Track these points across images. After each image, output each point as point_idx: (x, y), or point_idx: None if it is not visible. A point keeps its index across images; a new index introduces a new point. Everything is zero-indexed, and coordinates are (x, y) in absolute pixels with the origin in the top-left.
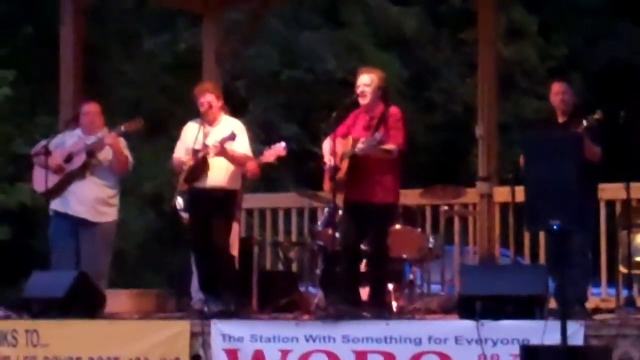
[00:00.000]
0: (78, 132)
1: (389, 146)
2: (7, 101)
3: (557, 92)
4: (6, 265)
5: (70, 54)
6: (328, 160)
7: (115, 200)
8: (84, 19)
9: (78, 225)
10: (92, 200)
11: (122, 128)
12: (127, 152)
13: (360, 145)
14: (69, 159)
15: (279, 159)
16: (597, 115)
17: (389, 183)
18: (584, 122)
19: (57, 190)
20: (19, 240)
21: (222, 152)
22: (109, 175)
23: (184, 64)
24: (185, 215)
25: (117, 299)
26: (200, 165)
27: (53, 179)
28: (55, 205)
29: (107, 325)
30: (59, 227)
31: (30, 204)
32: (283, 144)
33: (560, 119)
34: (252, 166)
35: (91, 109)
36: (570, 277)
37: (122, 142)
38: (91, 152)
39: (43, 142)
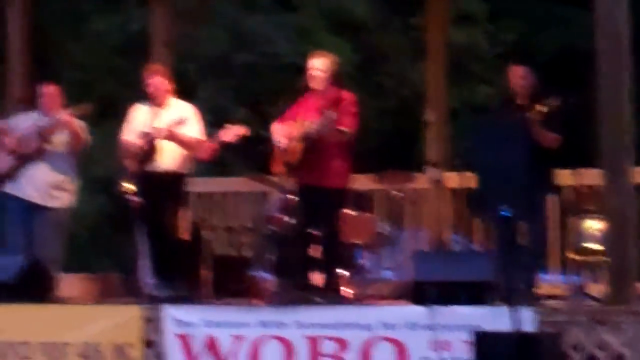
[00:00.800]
0: (35, 114)
1: (343, 128)
2: None
3: (520, 76)
4: None
5: (17, 35)
6: (279, 142)
7: (69, 186)
8: (30, 1)
9: (31, 209)
10: (45, 184)
11: (70, 112)
12: (84, 134)
13: (313, 126)
14: (22, 141)
15: (240, 137)
16: (554, 102)
17: (340, 167)
18: (540, 108)
19: (11, 173)
20: None
21: (170, 136)
22: (64, 160)
23: (134, 46)
24: (134, 199)
25: (68, 283)
26: (150, 149)
27: (6, 162)
28: (9, 188)
29: (58, 309)
30: (12, 210)
31: None
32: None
33: (520, 102)
34: (209, 146)
35: (49, 90)
36: (520, 263)
37: (79, 123)
38: (44, 135)
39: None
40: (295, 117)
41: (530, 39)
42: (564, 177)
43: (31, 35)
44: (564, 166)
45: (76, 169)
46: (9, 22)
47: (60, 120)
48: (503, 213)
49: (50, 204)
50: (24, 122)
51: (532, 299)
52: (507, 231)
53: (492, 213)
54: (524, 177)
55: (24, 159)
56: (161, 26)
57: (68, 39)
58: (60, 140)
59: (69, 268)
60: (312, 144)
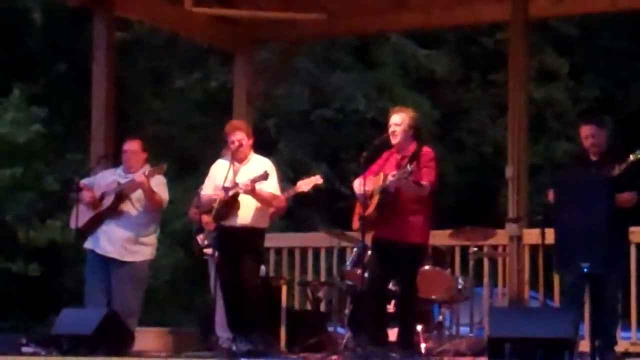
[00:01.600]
0: (119, 170)
1: (421, 182)
2: (39, 138)
3: (586, 135)
4: (36, 301)
5: (102, 91)
6: (358, 193)
7: (150, 239)
8: (116, 56)
9: (109, 263)
10: (121, 240)
11: (145, 172)
12: (161, 190)
13: (391, 178)
14: (102, 197)
15: (315, 187)
16: (635, 156)
17: (419, 223)
18: (617, 167)
19: (89, 228)
20: (48, 276)
21: (251, 191)
22: (142, 214)
23: (215, 102)
24: (207, 251)
25: (145, 337)
26: (230, 204)
27: (86, 217)
28: (88, 243)
29: None
30: (91, 264)
31: (60, 240)
32: (318, 175)
33: (594, 158)
34: (280, 200)
35: (130, 147)
36: (601, 320)
37: (158, 180)
38: (121, 193)
39: (81, 180)
40: (376, 172)
41: (612, 95)
42: None
43: (115, 91)
44: None
45: (157, 224)
46: (93, 78)
47: (135, 180)
48: (585, 270)
49: (127, 258)
50: (106, 179)
51: (613, 357)
52: (590, 288)
53: (574, 270)
54: (606, 234)
55: (100, 215)
56: (243, 82)
57: (151, 95)
58: (137, 197)
59: (146, 321)
60: (391, 198)
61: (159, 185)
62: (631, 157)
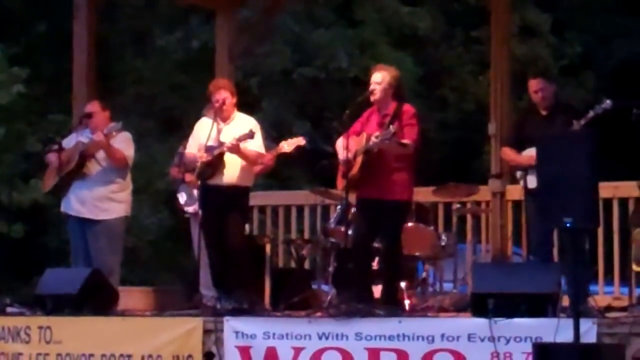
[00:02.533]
0: (87, 132)
1: (404, 141)
2: (21, 99)
3: (535, 90)
4: (19, 262)
5: (83, 51)
6: (342, 155)
7: (122, 196)
8: (96, 16)
9: (84, 223)
10: (91, 198)
11: (105, 130)
12: (125, 146)
13: (374, 139)
14: (68, 159)
15: (298, 149)
16: (595, 112)
17: (402, 180)
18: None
19: (59, 190)
20: (32, 237)
21: (236, 149)
22: (110, 172)
23: (197, 62)
24: (189, 210)
25: (130, 296)
26: (215, 163)
27: (54, 180)
28: (63, 206)
29: (120, 322)
30: (70, 226)
31: (43, 201)
32: (301, 137)
33: (543, 112)
34: (266, 158)
35: (90, 108)
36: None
37: (122, 136)
38: (83, 153)
39: (57, 142)
40: (358, 132)
41: (594, 50)
42: (628, 188)
43: (96, 51)
44: (628, 178)
45: (127, 180)
46: (74, 37)
47: (94, 139)
48: (568, 224)
49: (99, 216)
50: (72, 141)
51: (592, 310)
52: (572, 242)
53: (557, 224)
54: (589, 188)
55: (68, 176)
56: (225, 41)
57: (133, 54)
58: (102, 156)
59: (131, 281)
60: (374, 158)
61: (124, 141)
62: (591, 112)
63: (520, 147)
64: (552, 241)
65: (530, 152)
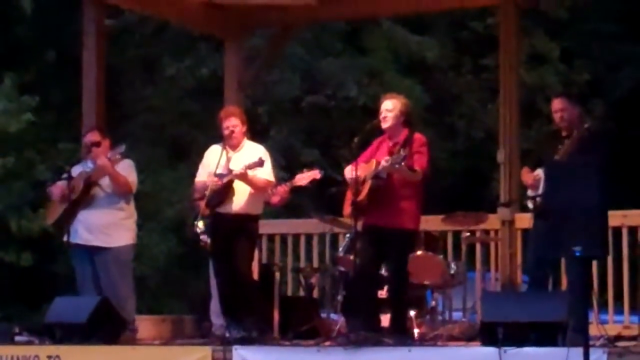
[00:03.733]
0: (89, 162)
1: (414, 167)
2: (30, 127)
3: (556, 109)
4: (28, 291)
5: (92, 79)
6: (349, 180)
7: (129, 223)
8: (106, 44)
9: (92, 252)
10: (99, 226)
11: (109, 155)
12: (128, 172)
13: (384, 163)
14: (72, 189)
15: (312, 182)
16: (586, 124)
17: (410, 208)
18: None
19: (65, 221)
20: (41, 266)
21: (244, 177)
22: (116, 199)
23: (206, 90)
24: (205, 239)
25: (139, 325)
26: (224, 190)
27: (59, 210)
28: (69, 236)
29: (130, 351)
30: (76, 256)
31: (52, 230)
32: (317, 170)
33: (564, 134)
34: (281, 190)
35: (90, 138)
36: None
37: (125, 163)
38: (88, 180)
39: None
40: (367, 159)
41: (602, 78)
42: (638, 217)
43: (105, 79)
44: (638, 206)
45: (132, 208)
46: (84, 65)
47: (98, 164)
48: (578, 253)
49: (108, 244)
50: (76, 172)
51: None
52: (581, 271)
53: (566, 253)
54: (598, 216)
55: (73, 205)
56: (234, 69)
57: (142, 82)
58: (107, 183)
59: (140, 309)
60: (383, 184)
61: (126, 168)
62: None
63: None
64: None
65: (537, 172)
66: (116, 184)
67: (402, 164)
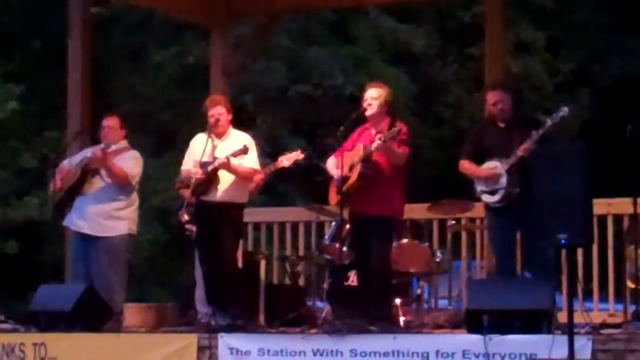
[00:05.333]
0: (96, 146)
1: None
2: (15, 115)
3: (495, 101)
4: (14, 278)
5: (78, 68)
6: (336, 173)
7: (125, 213)
8: (91, 32)
9: (86, 240)
10: (93, 215)
11: (103, 145)
12: (130, 164)
13: (378, 141)
14: (70, 174)
15: (295, 163)
16: (563, 112)
17: (395, 196)
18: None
19: (63, 205)
20: (26, 254)
21: (227, 166)
22: (114, 189)
23: (192, 78)
24: (190, 227)
25: (125, 313)
26: (210, 179)
27: (59, 195)
28: (66, 221)
29: (115, 338)
30: (72, 242)
31: (37, 217)
32: (299, 150)
33: (501, 125)
34: (257, 175)
35: (108, 122)
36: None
37: (129, 154)
38: (86, 167)
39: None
40: (350, 149)
41: (589, 68)
42: (623, 205)
43: (91, 67)
44: (622, 194)
45: (131, 198)
46: (69, 54)
47: (93, 154)
48: (563, 241)
49: (101, 233)
50: (78, 157)
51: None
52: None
53: (551, 241)
54: (583, 204)
55: (70, 191)
56: (220, 58)
57: (128, 71)
58: (105, 172)
59: (125, 298)
60: (372, 167)
61: (130, 159)
62: (549, 121)
63: (478, 160)
64: (516, 256)
65: (489, 165)
66: (112, 176)
67: (397, 137)
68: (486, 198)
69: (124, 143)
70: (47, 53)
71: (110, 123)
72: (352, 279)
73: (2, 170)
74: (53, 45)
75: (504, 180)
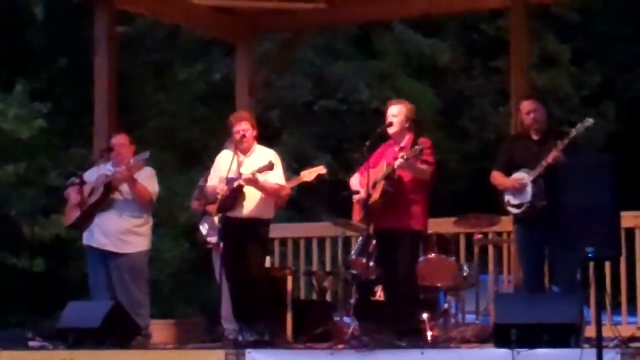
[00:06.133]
0: (109, 165)
1: (424, 167)
2: (42, 133)
3: (529, 111)
4: (41, 296)
5: (104, 85)
6: (359, 191)
7: (145, 230)
8: (117, 50)
9: (107, 257)
10: (116, 232)
11: (131, 162)
12: (150, 183)
13: (401, 160)
14: (91, 193)
15: (319, 177)
16: (588, 123)
17: (419, 211)
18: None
19: (83, 223)
20: (54, 272)
21: (254, 182)
22: (135, 206)
23: (218, 94)
24: (211, 241)
25: (153, 329)
26: (236, 195)
27: (76, 213)
28: (85, 238)
29: (142, 355)
30: (91, 259)
31: (64, 235)
32: (322, 165)
33: (535, 137)
34: (286, 190)
35: (118, 140)
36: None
37: (147, 173)
38: (109, 185)
39: (78, 176)
40: (375, 165)
41: (614, 80)
42: None
43: (117, 85)
44: None
45: (150, 215)
46: (95, 72)
47: (118, 173)
48: (591, 254)
49: (123, 250)
50: (95, 175)
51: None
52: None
53: (579, 254)
54: (610, 217)
55: (91, 209)
56: (245, 74)
57: (154, 87)
58: (127, 189)
59: (152, 314)
60: (395, 185)
61: (149, 178)
62: (573, 131)
63: (510, 172)
64: (544, 270)
65: (517, 176)
66: (137, 195)
67: (420, 156)
68: (512, 210)
69: (138, 158)
70: (73, 71)
71: (122, 140)
72: (379, 294)
73: (30, 188)
74: (79, 63)
75: (529, 191)
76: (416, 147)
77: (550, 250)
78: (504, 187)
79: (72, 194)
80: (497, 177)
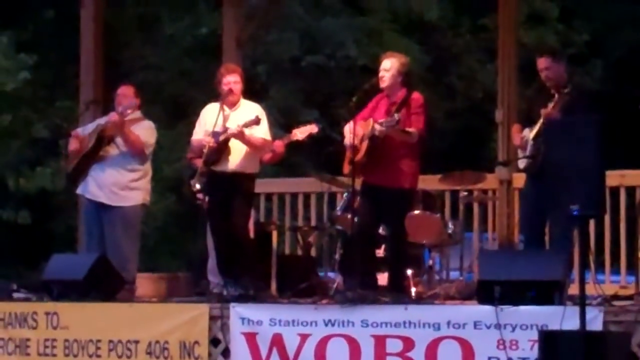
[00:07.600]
0: (111, 113)
1: (409, 129)
2: (27, 85)
3: (541, 68)
4: (26, 248)
5: (90, 38)
6: (348, 140)
7: (140, 184)
8: (104, 2)
9: (100, 209)
10: (109, 184)
11: (120, 109)
12: (145, 133)
13: (377, 126)
14: (85, 141)
15: (310, 136)
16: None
17: (407, 168)
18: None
19: (76, 174)
20: (38, 224)
21: (240, 136)
22: (130, 158)
23: (205, 49)
24: (202, 197)
25: (137, 282)
26: (221, 149)
27: (74, 162)
28: (80, 189)
29: (127, 308)
30: (85, 209)
31: (50, 188)
32: (314, 124)
33: (554, 93)
34: (276, 145)
35: (122, 91)
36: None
37: (144, 124)
38: (101, 134)
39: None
40: (366, 117)
41: (602, 39)
42: (636, 177)
43: (103, 37)
44: (636, 166)
45: (146, 168)
46: (81, 25)
47: (109, 120)
48: (576, 212)
49: (116, 203)
50: (93, 125)
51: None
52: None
53: (564, 212)
54: (596, 176)
55: (85, 158)
56: (233, 28)
57: (141, 41)
58: (121, 141)
59: (137, 267)
60: (379, 144)
61: (145, 129)
62: (567, 89)
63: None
64: (543, 226)
65: (525, 132)
66: (127, 142)
67: (396, 126)
68: (519, 164)
69: (138, 113)
70: (59, 23)
71: (126, 91)
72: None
73: (15, 141)
74: (66, 15)
75: (528, 147)
76: (395, 115)
77: (546, 207)
78: (513, 142)
79: (72, 144)
80: (513, 131)
